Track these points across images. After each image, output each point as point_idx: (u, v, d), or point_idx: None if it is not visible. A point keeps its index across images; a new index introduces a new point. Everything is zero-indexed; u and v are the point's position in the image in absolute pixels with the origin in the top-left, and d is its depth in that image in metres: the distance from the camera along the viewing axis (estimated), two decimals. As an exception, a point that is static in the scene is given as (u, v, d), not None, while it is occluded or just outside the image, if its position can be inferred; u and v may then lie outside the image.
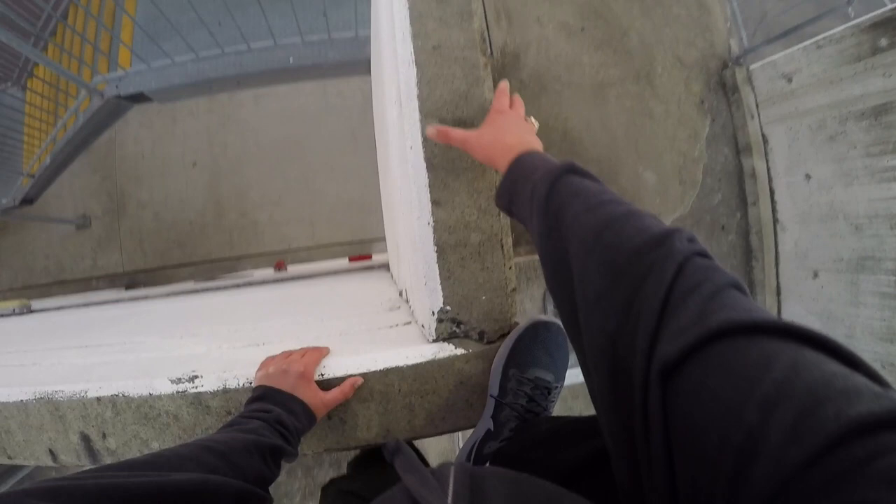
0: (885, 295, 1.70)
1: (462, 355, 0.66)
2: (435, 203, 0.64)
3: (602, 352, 0.30)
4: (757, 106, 2.24)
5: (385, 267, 2.00)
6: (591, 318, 0.32)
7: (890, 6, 1.63)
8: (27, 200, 3.51)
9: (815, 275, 1.97)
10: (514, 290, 0.70)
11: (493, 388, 0.64)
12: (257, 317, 1.08)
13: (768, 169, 2.25)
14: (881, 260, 1.71)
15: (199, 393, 0.62)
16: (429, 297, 0.67)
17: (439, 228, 0.64)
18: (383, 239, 1.90)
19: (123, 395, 0.64)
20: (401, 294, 1.12)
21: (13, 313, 1.82)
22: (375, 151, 1.76)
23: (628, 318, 0.28)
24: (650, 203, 1.94)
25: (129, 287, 3.91)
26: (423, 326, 0.73)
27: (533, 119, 0.63)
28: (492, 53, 2.01)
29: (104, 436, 0.66)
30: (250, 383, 0.62)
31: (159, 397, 0.63)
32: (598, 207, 0.38)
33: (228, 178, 4.13)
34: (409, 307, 0.93)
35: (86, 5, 2.58)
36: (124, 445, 0.64)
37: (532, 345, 0.64)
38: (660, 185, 1.97)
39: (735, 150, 2.36)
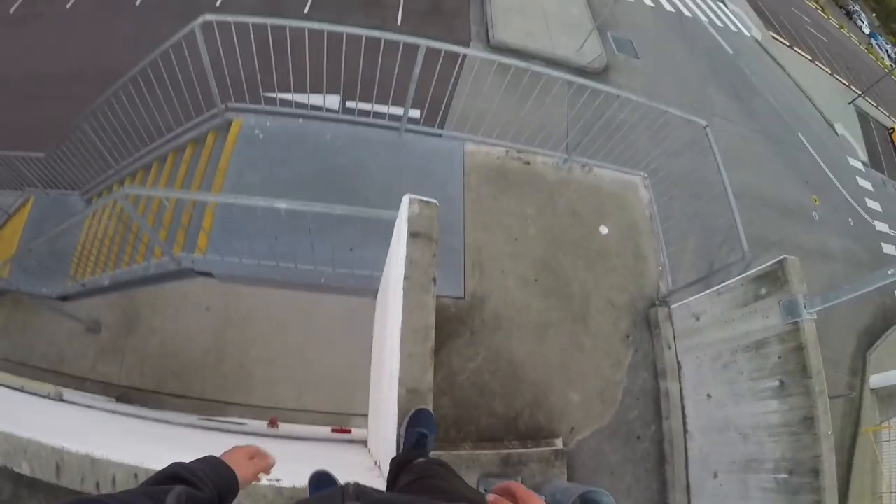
0: (766, 489, 2.04)
1: None
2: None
3: None
4: (674, 338, 2.76)
5: (363, 443, 2.42)
6: None
7: (768, 263, 2.08)
8: (63, 297, 3.85)
9: (715, 475, 2.32)
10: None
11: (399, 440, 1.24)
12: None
13: (681, 389, 2.76)
14: (763, 461, 2.07)
15: None
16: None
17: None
18: (363, 415, 2.31)
19: None
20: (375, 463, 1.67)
21: (47, 397, 1.90)
22: (369, 335, 2.37)
23: None
24: (573, 418, 2.50)
25: (119, 399, 4.02)
26: None
27: None
28: (464, 297, 2.84)
29: None
30: None
31: None
32: None
33: (236, 329, 4.59)
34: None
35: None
36: None
37: (417, 417, 1.25)
38: (583, 403, 2.57)
39: (654, 374, 2.94)
